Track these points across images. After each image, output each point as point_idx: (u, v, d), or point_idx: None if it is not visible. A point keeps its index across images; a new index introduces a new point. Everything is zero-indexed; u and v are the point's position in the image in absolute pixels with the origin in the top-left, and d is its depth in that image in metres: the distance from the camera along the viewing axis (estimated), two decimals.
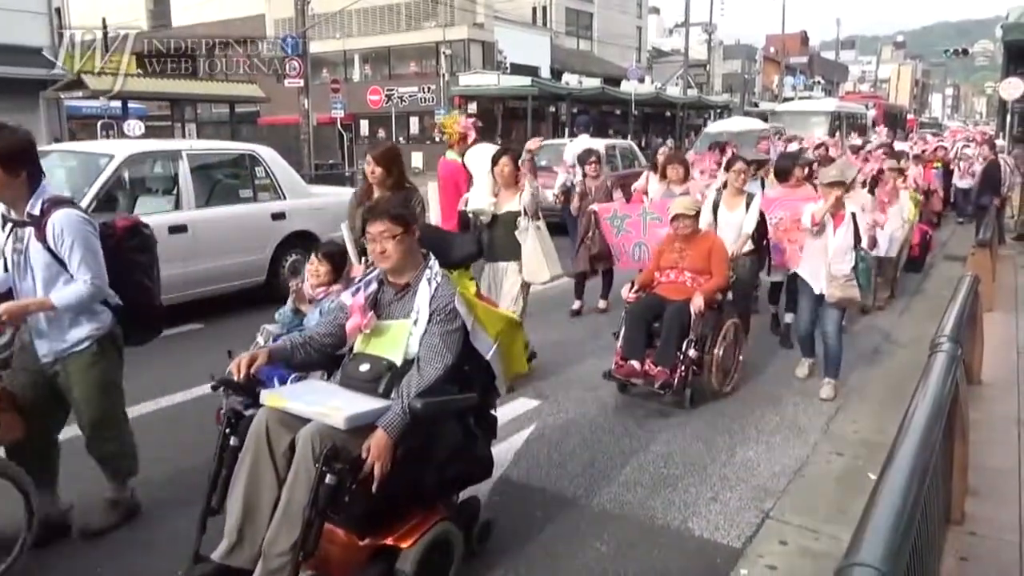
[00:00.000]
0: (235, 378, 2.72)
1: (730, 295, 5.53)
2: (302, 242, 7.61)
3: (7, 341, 3.36)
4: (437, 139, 25.26)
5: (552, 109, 33.51)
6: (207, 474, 2.76)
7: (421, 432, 2.68)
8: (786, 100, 44.55)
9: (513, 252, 5.44)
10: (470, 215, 5.59)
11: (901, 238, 7.86)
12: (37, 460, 3.16)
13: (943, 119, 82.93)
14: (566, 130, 28.64)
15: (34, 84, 17.56)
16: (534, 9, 42.10)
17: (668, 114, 39.71)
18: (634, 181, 8.85)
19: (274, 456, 2.64)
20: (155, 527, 3.44)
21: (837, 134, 23.44)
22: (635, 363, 4.98)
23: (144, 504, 3.56)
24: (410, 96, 30.83)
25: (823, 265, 5.17)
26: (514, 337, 3.29)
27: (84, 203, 6.03)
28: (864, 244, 5.24)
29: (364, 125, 32.93)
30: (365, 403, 2.70)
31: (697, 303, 4.94)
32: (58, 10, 18.51)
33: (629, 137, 26.29)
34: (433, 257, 3.00)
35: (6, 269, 3.14)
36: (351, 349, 3.01)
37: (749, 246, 6.01)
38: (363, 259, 4.18)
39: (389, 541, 2.69)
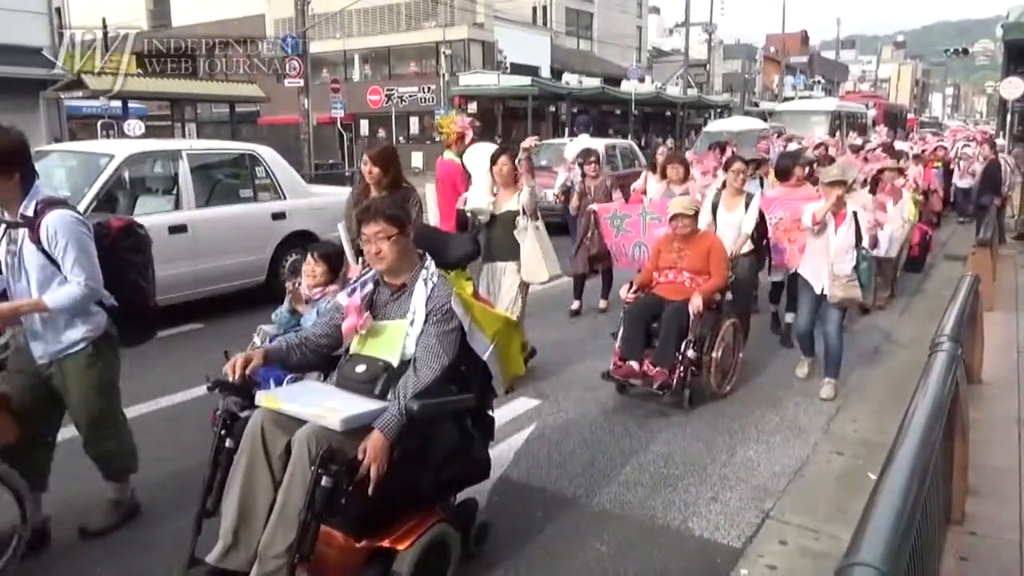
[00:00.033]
0: (230, 379, 2.71)
1: (729, 295, 5.51)
2: (302, 242, 7.57)
3: (3, 344, 3.34)
4: (437, 139, 25.22)
5: (552, 109, 33.51)
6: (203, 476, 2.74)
7: (418, 434, 2.67)
8: (786, 100, 44.57)
9: (512, 252, 5.42)
10: (468, 214, 5.58)
11: (901, 238, 7.85)
12: (31, 463, 3.15)
13: (943, 119, 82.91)
14: (566, 130, 28.65)
15: (34, 84, 17.54)
16: (534, 9, 42.08)
17: (668, 114, 39.72)
18: (633, 181, 8.84)
19: (270, 458, 2.62)
20: (155, 527, 3.43)
21: (837, 134, 23.44)
22: (634, 364, 4.96)
23: (144, 504, 3.56)
24: (410, 96, 30.83)
25: (825, 265, 5.15)
26: (511, 338, 3.27)
27: (84, 203, 6.05)
28: (865, 243, 5.23)
29: (364, 125, 32.93)
30: (361, 404, 2.69)
31: (695, 303, 4.93)
32: (58, 10, 18.49)
33: (629, 137, 26.29)
34: (429, 257, 2.99)
35: (1, 271, 3.13)
36: (347, 350, 2.99)
37: (748, 246, 5.99)
38: (360, 259, 4.17)
39: (386, 543, 2.67)
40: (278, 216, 7.61)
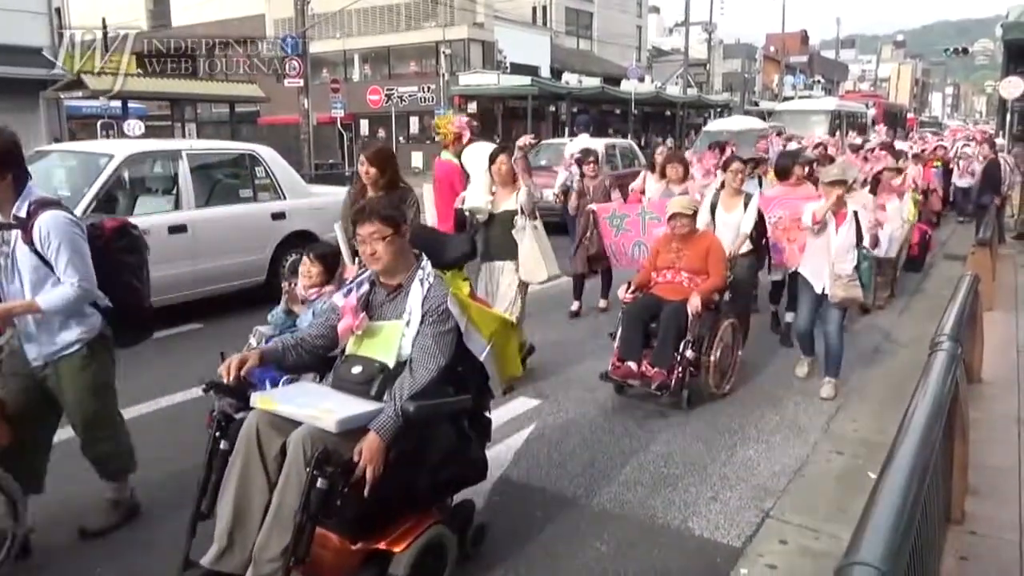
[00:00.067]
0: (225, 380, 2.69)
1: (728, 295, 5.50)
2: (302, 242, 7.51)
3: None
4: (437, 139, 25.21)
5: (552, 109, 33.51)
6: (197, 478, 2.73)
7: (414, 435, 2.66)
8: (786, 99, 44.58)
9: (510, 251, 5.40)
10: (466, 213, 5.56)
11: (901, 238, 7.84)
12: (26, 466, 3.13)
13: (943, 118, 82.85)
14: (566, 130, 28.65)
15: (34, 84, 17.55)
16: (534, 9, 42.08)
17: (668, 113, 39.71)
18: (632, 181, 8.83)
19: (265, 460, 2.61)
20: (155, 527, 3.42)
21: (837, 133, 23.43)
22: (632, 364, 4.95)
23: (144, 504, 3.55)
24: (410, 96, 30.79)
25: (826, 264, 5.14)
26: (508, 338, 3.26)
27: (84, 203, 6.04)
28: (866, 243, 5.22)
29: (364, 125, 32.94)
30: (357, 406, 2.68)
31: (694, 303, 4.91)
32: (58, 10, 18.50)
33: (629, 136, 26.28)
34: (425, 258, 2.97)
35: None
36: (343, 351, 2.98)
37: (748, 246, 5.97)
38: (356, 260, 4.16)
39: (382, 545, 2.65)
40: (278, 216, 7.60)
